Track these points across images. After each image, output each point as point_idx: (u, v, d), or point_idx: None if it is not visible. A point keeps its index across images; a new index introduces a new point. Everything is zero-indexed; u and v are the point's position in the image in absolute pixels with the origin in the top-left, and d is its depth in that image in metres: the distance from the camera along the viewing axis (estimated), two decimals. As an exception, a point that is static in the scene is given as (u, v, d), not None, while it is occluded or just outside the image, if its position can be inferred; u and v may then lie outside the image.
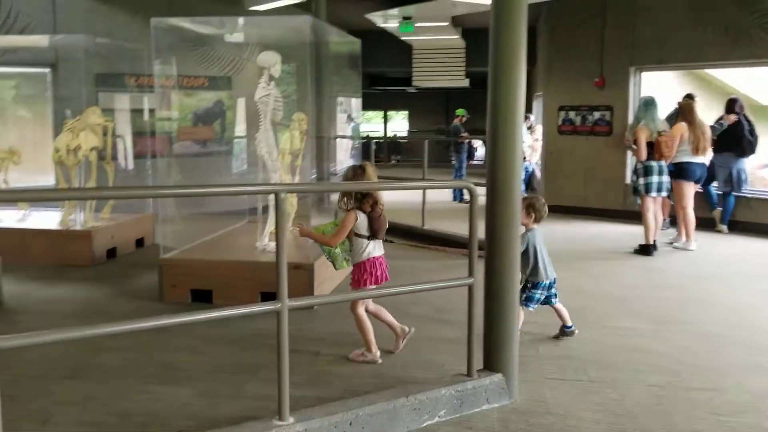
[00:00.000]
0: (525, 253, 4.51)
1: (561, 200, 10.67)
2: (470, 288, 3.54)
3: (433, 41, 14.76)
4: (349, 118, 11.52)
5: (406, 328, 4.41)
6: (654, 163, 7.46)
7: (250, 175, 8.80)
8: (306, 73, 7.97)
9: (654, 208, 7.64)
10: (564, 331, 4.75)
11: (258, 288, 5.40)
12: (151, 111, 10.32)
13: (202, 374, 4.04)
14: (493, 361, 3.66)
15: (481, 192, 3.74)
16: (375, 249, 4.19)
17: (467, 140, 12.96)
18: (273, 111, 5.72)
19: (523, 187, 13.77)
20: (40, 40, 9.40)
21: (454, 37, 14.36)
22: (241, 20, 7.38)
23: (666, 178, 7.54)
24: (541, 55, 12.49)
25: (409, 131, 26.28)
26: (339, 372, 4.07)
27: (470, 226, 3.50)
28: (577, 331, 4.80)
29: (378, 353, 4.25)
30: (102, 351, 4.37)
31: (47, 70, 9.85)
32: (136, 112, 10.27)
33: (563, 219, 9.98)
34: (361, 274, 4.18)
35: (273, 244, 5.87)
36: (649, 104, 7.64)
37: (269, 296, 5.38)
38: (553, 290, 4.73)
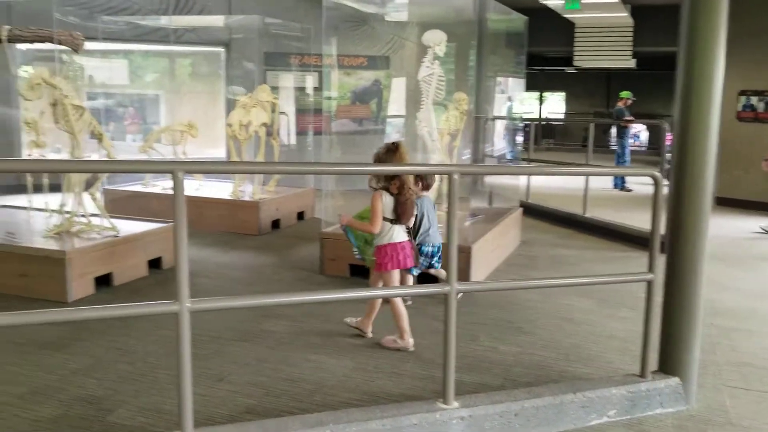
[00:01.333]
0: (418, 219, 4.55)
1: (735, 193, 9.81)
2: (649, 284, 3.31)
3: (598, 19, 14.03)
4: (509, 99, 11.25)
5: (410, 342, 4.11)
6: None
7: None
8: (467, 52, 7.87)
9: None
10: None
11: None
12: (315, 89, 10.69)
13: (362, 348, 4.11)
14: (669, 364, 3.41)
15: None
16: (398, 234, 4.04)
17: (632, 124, 12.27)
18: (435, 90, 5.67)
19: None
20: (216, 20, 9.98)
21: (623, 15, 13.55)
22: (404, -1, 7.36)
23: None
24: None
25: (566, 113, 25.31)
26: (499, 360, 3.99)
27: (653, 218, 3.25)
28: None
29: (411, 341, 4.09)
30: (269, 317, 4.57)
31: (221, 49, 10.47)
32: (299, 90, 10.67)
33: (736, 213, 9.17)
34: (382, 257, 4.07)
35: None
36: None
37: (424, 275, 5.43)
38: (435, 259, 4.79)
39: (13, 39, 5.76)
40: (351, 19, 9.19)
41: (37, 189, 5.88)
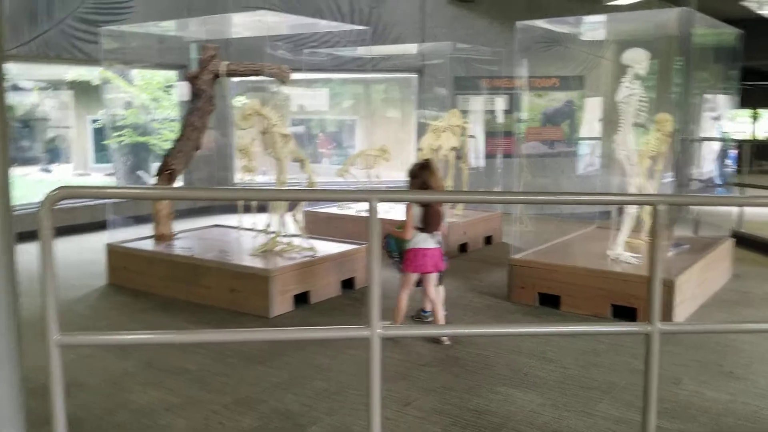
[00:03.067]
0: None
1: None
2: None
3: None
4: (717, 117, 10.35)
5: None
6: None
7: (601, 178, 8.49)
8: (670, 71, 7.36)
9: None
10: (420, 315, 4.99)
11: (609, 299, 5.13)
12: (506, 112, 10.63)
13: (550, 383, 3.95)
14: None
15: None
16: (423, 241, 4.52)
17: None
18: (636, 112, 5.34)
19: None
20: (410, 48, 10.31)
21: None
22: (598, 17, 7.08)
23: None
24: None
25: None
26: (706, 407, 3.62)
27: None
28: (431, 320, 4.81)
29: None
30: (459, 343, 4.55)
31: (415, 75, 10.78)
32: (489, 113, 10.66)
33: None
34: (405, 260, 4.60)
35: (628, 254, 5.52)
36: None
37: (621, 309, 5.12)
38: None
39: (230, 73, 6.39)
40: (543, 39, 9.03)
41: (247, 209, 6.44)
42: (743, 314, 5.30)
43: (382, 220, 7.43)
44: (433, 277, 4.70)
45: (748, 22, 12.47)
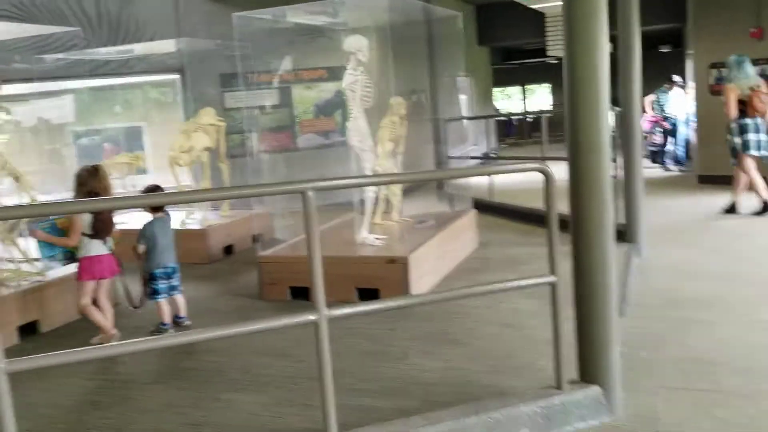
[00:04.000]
0: (146, 244, 4.66)
1: (716, 169, 9.47)
2: (553, 287, 3.03)
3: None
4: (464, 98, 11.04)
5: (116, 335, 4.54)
6: (749, 121, 7.16)
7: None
8: (387, 55, 7.59)
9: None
10: (177, 321, 4.84)
11: (354, 283, 5.18)
12: (276, 107, 10.50)
13: (279, 380, 3.86)
14: (588, 371, 3.13)
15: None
16: (95, 247, 4.43)
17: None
18: (362, 98, 5.42)
19: (674, 147, 12.39)
20: (165, 47, 9.80)
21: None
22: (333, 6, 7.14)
23: (764, 137, 7.17)
24: (690, 8, 11.16)
25: (554, 105, 24.94)
26: (423, 379, 3.72)
27: (548, 215, 2.99)
28: (190, 323, 4.84)
29: (114, 332, 4.53)
30: (194, 353, 4.33)
31: (176, 75, 10.30)
32: (260, 108, 10.46)
33: (717, 191, 8.81)
34: (79, 269, 4.48)
35: (372, 237, 5.62)
36: (740, 63, 7.36)
37: (366, 292, 5.18)
38: (175, 280, 4.76)
39: None
40: (305, 31, 9.01)
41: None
42: (480, 279, 5.59)
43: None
44: (106, 283, 4.64)
45: (494, 7, 13.45)
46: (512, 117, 23.53)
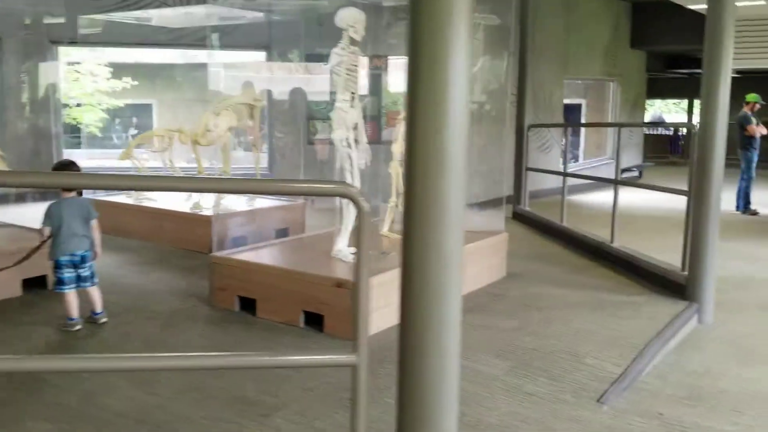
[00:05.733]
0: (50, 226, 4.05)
1: None
2: (354, 370, 2.00)
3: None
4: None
5: None
6: None
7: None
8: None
9: None
10: (92, 317, 4.28)
11: (301, 305, 4.32)
12: (363, 95, 9.77)
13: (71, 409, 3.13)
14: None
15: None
16: None
17: (758, 134, 9.96)
18: (346, 82, 4.51)
19: None
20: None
21: None
22: None
23: None
24: None
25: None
26: None
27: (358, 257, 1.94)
28: (106, 320, 4.28)
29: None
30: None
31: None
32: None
33: None
34: None
35: (348, 251, 4.71)
36: None
37: (312, 317, 4.30)
38: (85, 270, 4.15)
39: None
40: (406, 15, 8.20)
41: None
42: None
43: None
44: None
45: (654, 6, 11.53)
46: (660, 127, 21.21)
